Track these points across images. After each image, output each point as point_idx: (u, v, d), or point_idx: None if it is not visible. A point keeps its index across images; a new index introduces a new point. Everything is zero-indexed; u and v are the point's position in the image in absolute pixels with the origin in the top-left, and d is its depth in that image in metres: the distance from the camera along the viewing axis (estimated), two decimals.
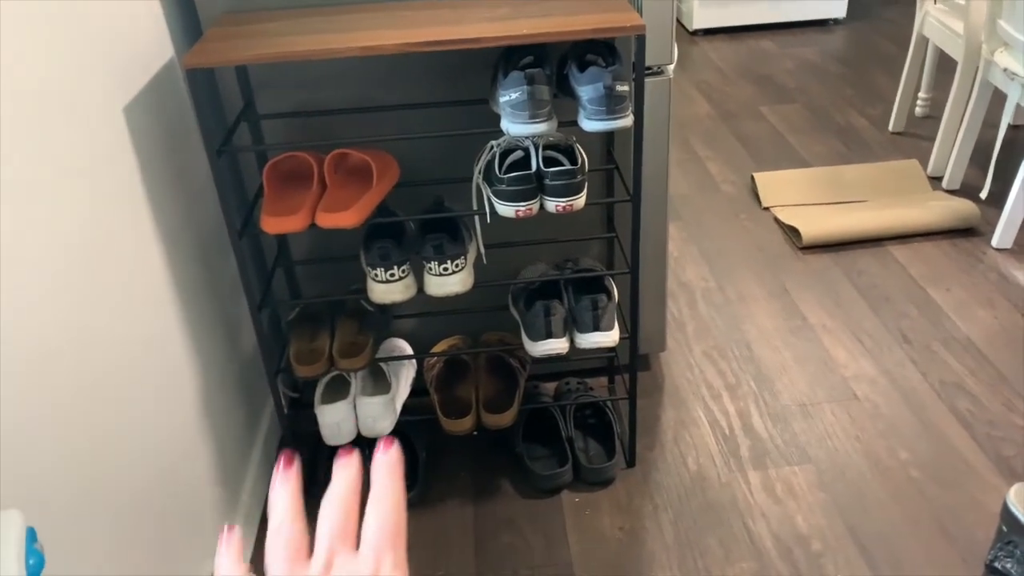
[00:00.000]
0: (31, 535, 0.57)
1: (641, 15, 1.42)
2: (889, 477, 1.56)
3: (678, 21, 3.97)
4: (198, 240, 1.39)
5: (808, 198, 2.46)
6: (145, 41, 1.27)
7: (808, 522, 1.48)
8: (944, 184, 2.49)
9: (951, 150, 2.47)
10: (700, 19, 3.79)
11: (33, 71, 0.94)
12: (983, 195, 2.36)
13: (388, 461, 0.44)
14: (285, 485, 0.44)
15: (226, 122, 1.44)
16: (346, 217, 1.27)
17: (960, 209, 2.30)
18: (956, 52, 2.45)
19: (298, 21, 1.30)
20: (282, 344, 1.55)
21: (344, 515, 0.42)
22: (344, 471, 0.44)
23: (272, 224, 1.27)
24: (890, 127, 2.86)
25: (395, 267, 1.35)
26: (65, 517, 0.90)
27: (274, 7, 1.37)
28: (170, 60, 1.35)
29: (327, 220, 1.27)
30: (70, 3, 1.04)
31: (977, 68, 2.35)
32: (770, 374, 1.83)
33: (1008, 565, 0.82)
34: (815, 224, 2.29)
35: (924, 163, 2.57)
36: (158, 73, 1.30)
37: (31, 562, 0.56)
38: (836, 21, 3.90)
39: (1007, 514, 0.86)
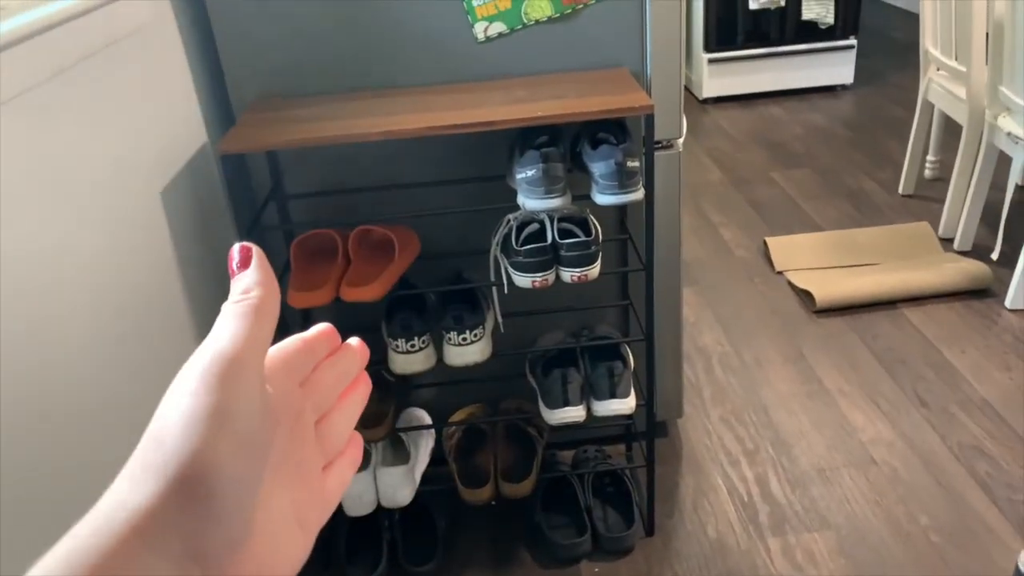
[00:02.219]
0: None
1: (650, 93, 1.49)
2: (909, 543, 1.55)
3: (688, 90, 4.07)
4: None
5: (821, 262, 2.50)
6: (181, 127, 1.35)
7: None
8: (955, 246, 2.51)
9: (961, 212, 2.50)
10: (710, 88, 3.89)
11: (80, 156, 1.01)
12: (994, 256, 2.38)
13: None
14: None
15: (255, 202, 1.50)
16: (369, 291, 1.32)
17: (972, 271, 2.32)
18: (960, 117, 2.51)
19: (325, 106, 1.37)
20: None
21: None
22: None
23: (298, 299, 1.32)
24: (900, 190, 2.91)
25: (416, 338, 1.40)
26: None
27: (302, 93, 1.44)
28: (203, 145, 1.43)
29: (351, 294, 1.32)
30: (115, 94, 1.12)
31: (982, 132, 2.41)
32: (788, 439, 1.84)
33: None
34: (828, 288, 2.31)
35: (935, 225, 2.60)
36: (192, 157, 1.37)
37: None
38: (844, 87, 3.99)
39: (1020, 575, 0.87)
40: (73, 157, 1.00)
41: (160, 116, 1.27)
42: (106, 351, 1.02)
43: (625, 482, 1.66)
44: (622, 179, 1.29)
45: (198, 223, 1.36)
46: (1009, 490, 1.64)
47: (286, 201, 1.52)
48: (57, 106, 0.97)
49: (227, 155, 1.25)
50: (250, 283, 0.36)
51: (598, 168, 1.30)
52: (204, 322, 1.33)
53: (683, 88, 1.54)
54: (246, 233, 1.32)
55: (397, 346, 1.41)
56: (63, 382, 0.91)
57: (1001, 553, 1.51)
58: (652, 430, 1.55)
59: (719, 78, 3.87)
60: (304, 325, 1.47)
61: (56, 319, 0.92)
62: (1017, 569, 0.86)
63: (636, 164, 1.30)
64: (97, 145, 1.06)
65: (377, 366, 1.49)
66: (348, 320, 1.65)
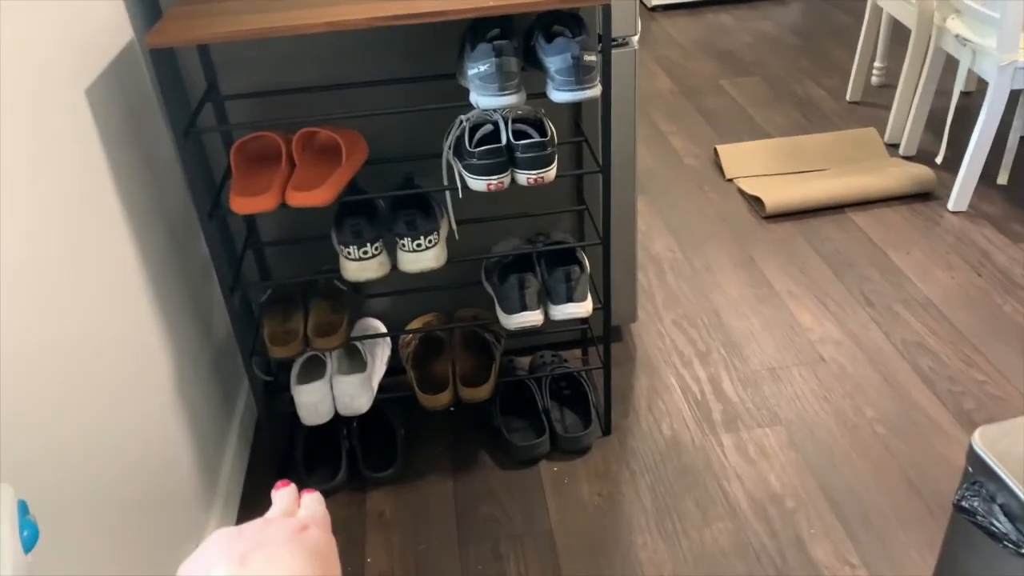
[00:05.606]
0: (23, 507, 0.57)
1: None
2: (856, 435, 1.61)
3: None
4: (166, 224, 1.38)
5: (770, 169, 2.50)
6: (104, 22, 1.25)
7: (781, 481, 1.52)
8: (901, 151, 2.54)
9: (907, 117, 2.52)
10: None
11: None
12: (938, 160, 2.41)
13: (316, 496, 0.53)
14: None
15: (190, 104, 1.42)
16: (317, 195, 1.27)
17: (917, 174, 2.35)
18: (909, 20, 2.50)
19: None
20: (255, 327, 1.54)
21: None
22: (281, 498, 0.52)
23: (242, 204, 1.26)
24: (847, 97, 2.91)
25: (368, 244, 1.36)
26: (40, 504, 0.90)
27: None
28: (130, 42, 1.33)
29: (298, 199, 1.27)
30: None
31: (930, 36, 2.41)
32: (739, 340, 1.87)
33: (975, 503, 0.86)
34: (778, 194, 2.33)
35: (881, 131, 2.62)
36: (118, 55, 1.28)
37: (25, 534, 0.56)
38: None
39: (973, 455, 0.90)
40: None
41: (80, 7, 1.17)
42: (34, 260, 0.96)
43: (582, 384, 1.67)
44: (579, 74, 1.25)
45: (129, 124, 1.28)
46: (950, 383, 1.70)
47: (223, 103, 1.44)
48: None
49: (156, 49, 1.17)
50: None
51: (554, 63, 1.26)
52: (138, 224, 1.26)
53: None
54: (182, 136, 1.25)
55: (349, 253, 1.36)
56: None
57: (942, 442, 1.57)
58: (609, 333, 1.55)
59: None
60: (249, 234, 1.42)
61: None
62: (971, 448, 0.89)
63: (593, 59, 1.26)
64: (10, 37, 0.97)
65: (329, 274, 1.45)
66: (296, 227, 1.60)
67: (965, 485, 0.90)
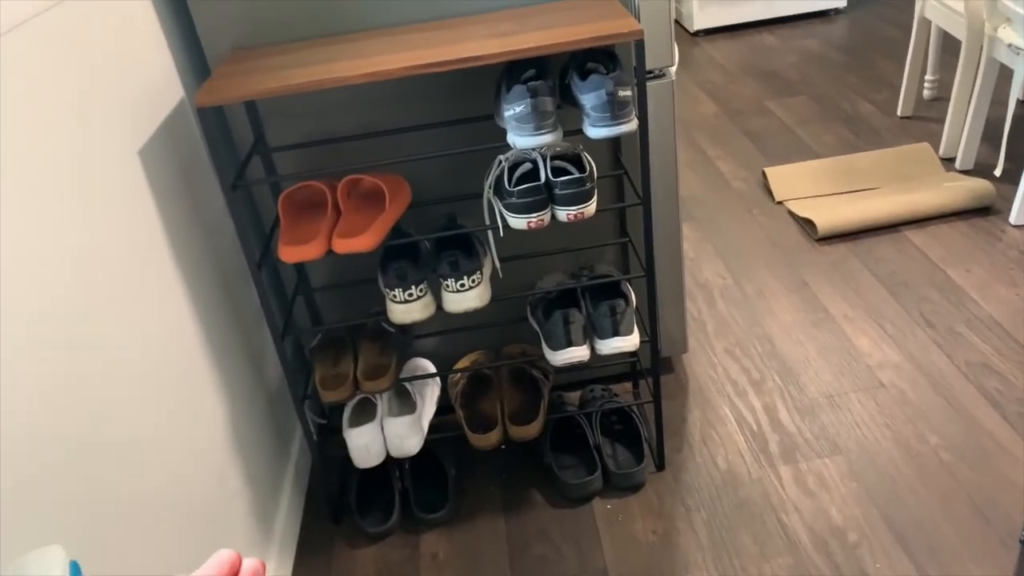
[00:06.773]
0: (75, 569, 0.58)
1: (639, 20, 1.44)
2: (920, 463, 1.55)
3: (678, 23, 3.98)
4: (219, 273, 1.42)
5: (821, 189, 2.46)
6: (155, 83, 1.31)
7: (842, 513, 1.47)
8: (957, 165, 2.47)
9: (962, 130, 2.45)
10: (700, 20, 3.80)
11: (47, 121, 0.97)
12: (997, 173, 2.34)
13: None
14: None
15: (239, 156, 1.47)
16: (361, 241, 1.29)
17: (975, 188, 2.28)
18: (959, 32, 2.45)
19: (302, 53, 1.33)
20: (307, 371, 1.57)
21: None
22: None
23: (290, 253, 1.29)
24: (898, 112, 2.85)
25: (413, 287, 1.37)
26: (98, 553, 0.92)
27: (278, 40, 1.40)
28: (180, 100, 1.38)
29: (343, 246, 1.29)
30: (79, 51, 1.08)
31: (981, 46, 2.35)
32: (794, 367, 1.82)
33: None
34: (830, 215, 2.28)
35: (935, 145, 2.55)
36: (170, 114, 1.33)
37: None
38: (837, 11, 3.89)
39: None
40: (41, 117, 0.96)
41: (132, 72, 1.23)
42: (93, 311, 1.00)
43: (633, 419, 1.65)
44: (614, 110, 1.25)
45: (180, 180, 1.33)
46: (1019, 405, 1.63)
47: (270, 154, 1.49)
48: (20, 64, 0.93)
49: (204, 108, 1.22)
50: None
51: (588, 100, 1.26)
52: (192, 275, 1.31)
53: (673, 13, 1.49)
54: (230, 190, 1.29)
55: (394, 296, 1.38)
56: (49, 342, 0.89)
57: (1012, 467, 1.51)
58: (657, 366, 1.54)
59: (710, 9, 3.77)
60: (299, 281, 1.45)
61: (36, 278, 0.89)
62: None
63: (627, 94, 1.26)
64: (66, 104, 1.02)
65: (377, 317, 1.47)
66: (344, 271, 1.63)
67: None
